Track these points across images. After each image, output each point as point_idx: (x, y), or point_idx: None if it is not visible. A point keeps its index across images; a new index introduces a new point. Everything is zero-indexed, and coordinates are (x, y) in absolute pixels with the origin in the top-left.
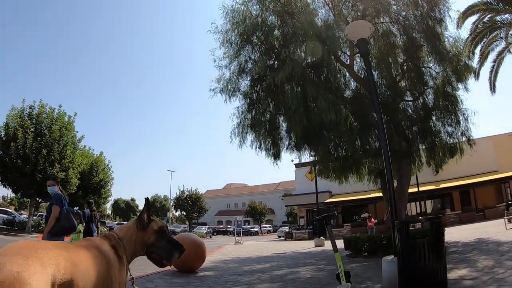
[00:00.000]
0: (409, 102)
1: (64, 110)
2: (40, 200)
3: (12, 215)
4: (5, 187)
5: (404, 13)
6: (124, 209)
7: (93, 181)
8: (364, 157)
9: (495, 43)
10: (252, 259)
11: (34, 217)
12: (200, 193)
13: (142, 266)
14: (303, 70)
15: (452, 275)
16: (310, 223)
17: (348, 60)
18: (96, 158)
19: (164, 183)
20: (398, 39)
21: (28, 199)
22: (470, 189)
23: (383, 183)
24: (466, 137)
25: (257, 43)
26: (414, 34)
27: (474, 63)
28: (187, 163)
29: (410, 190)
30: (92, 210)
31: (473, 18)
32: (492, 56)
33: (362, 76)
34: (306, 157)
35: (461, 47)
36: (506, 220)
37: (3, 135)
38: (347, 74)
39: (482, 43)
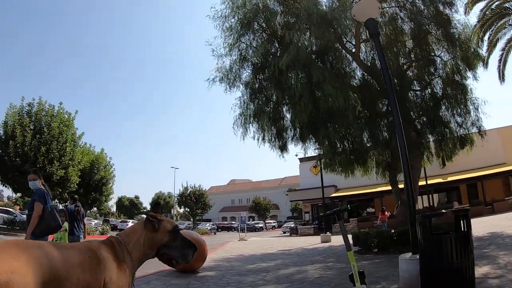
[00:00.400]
0: (417, 92)
1: (64, 107)
2: None
3: (14, 214)
4: (5, 186)
5: None
6: (128, 206)
7: (94, 178)
8: (373, 148)
9: (504, 30)
10: (257, 256)
11: None
12: (204, 189)
13: (142, 266)
14: (308, 55)
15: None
16: (321, 217)
17: (354, 49)
18: (97, 155)
19: (168, 180)
20: (405, 25)
21: (29, 199)
22: (477, 182)
23: (392, 176)
24: (477, 127)
25: (258, 29)
26: (422, 20)
27: (483, 51)
28: (191, 160)
29: (418, 184)
30: (76, 206)
31: (481, 5)
32: (501, 44)
33: (369, 64)
34: (311, 149)
35: (470, 34)
36: None
37: (1, 134)
38: (353, 63)
39: (490, 30)
